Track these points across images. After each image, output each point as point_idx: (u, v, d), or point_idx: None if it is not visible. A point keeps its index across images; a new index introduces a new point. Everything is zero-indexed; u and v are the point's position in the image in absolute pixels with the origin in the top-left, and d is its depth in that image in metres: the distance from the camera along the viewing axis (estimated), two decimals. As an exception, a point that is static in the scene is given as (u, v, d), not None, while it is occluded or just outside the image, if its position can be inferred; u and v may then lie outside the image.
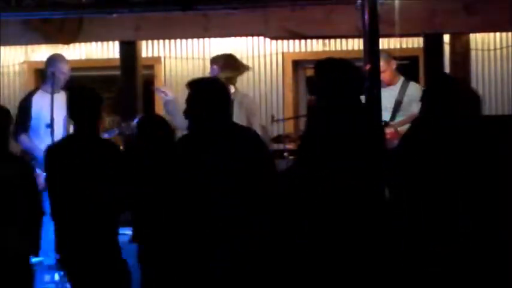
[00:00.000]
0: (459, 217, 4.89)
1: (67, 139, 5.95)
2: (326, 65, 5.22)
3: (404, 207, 5.00)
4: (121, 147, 6.41)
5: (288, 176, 5.16)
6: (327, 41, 9.07)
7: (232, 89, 7.34)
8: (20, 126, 7.62)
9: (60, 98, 7.50)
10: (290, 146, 8.14)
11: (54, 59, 7.77)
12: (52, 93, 7.35)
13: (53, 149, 5.75)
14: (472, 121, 5.21)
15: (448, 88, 5.19)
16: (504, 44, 8.85)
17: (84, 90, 5.90)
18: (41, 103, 7.57)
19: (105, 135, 7.29)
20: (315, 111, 5.31)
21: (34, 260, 6.45)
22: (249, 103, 7.40)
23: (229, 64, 7.44)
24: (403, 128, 7.53)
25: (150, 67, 9.41)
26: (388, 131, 7.27)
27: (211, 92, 5.24)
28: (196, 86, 5.29)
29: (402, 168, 5.05)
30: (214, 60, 7.48)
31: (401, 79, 7.75)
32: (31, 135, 7.59)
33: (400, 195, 5.04)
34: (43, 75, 7.99)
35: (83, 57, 9.52)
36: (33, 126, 7.60)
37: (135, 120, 6.86)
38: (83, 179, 5.49)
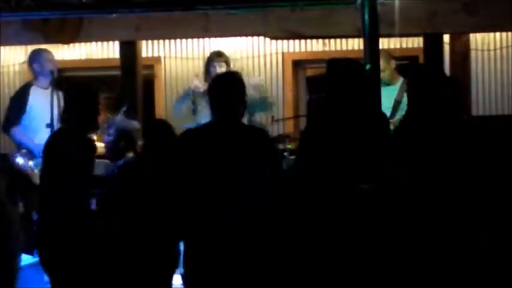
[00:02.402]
0: (459, 217, 4.89)
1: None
2: (339, 65, 5.22)
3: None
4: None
5: (289, 176, 5.16)
6: (327, 41, 9.07)
7: None
8: (11, 119, 7.61)
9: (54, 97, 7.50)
10: (290, 146, 8.14)
11: (39, 54, 7.78)
12: (52, 93, 7.35)
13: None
14: (462, 117, 5.19)
15: (429, 81, 5.17)
16: (504, 44, 8.85)
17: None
18: (36, 99, 7.57)
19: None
20: (319, 111, 5.29)
21: (34, 260, 6.46)
22: None
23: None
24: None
25: (150, 67, 9.41)
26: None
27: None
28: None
29: (399, 164, 5.03)
30: (220, 56, 7.66)
31: (401, 79, 7.77)
32: (31, 135, 7.58)
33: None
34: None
35: (83, 57, 9.53)
36: (33, 125, 7.58)
37: (122, 109, 6.87)
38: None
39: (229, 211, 4.99)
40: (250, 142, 5.10)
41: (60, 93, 7.63)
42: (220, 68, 7.54)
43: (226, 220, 4.97)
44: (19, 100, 7.68)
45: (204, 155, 5.09)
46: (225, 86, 5.23)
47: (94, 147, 5.72)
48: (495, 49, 8.86)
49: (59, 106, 7.54)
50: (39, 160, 7.38)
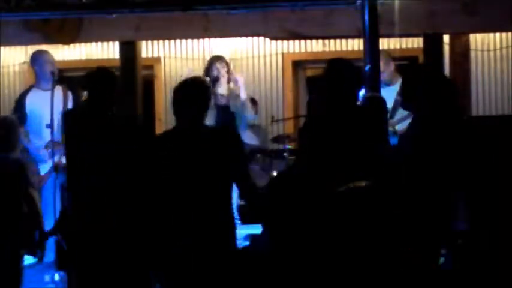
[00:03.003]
0: (460, 217, 4.89)
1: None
2: (339, 65, 5.23)
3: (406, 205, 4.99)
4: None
5: (287, 176, 5.16)
6: (326, 41, 9.08)
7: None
8: None
9: (57, 95, 7.50)
10: (290, 146, 8.16)
11: (39, 57, 7.81)
12: (52, 93, 7.35)
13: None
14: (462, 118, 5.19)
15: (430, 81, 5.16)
16: (504, 44, 8.86)
17: None
18: (35, 101, 7.60)
19: None
20: (319, 111, 5.30)
21: (34, 260, 6.46)
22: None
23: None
24: (402, 126, 7.56)
25: (150, 67, 9.42)
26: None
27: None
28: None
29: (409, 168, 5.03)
30: (222, 60, 7.73)
31: (401, 79, 7.76)
32: (33, 136, 7.60)
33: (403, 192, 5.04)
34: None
35: (83, 57, 9.54)
36: (34, 127, 7.60)
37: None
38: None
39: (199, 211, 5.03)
40: (215, 142, 5.09)
41: (69, 93, 7.71)
42: (224, 69, 7.59)
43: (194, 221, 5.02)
44: (18, 104, 7.76)
45: (169, 160, 5.09)
46: (186, 92, 5.18)
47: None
48: (495, 49, 8.86)
49: (64, 104, 7.59)
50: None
